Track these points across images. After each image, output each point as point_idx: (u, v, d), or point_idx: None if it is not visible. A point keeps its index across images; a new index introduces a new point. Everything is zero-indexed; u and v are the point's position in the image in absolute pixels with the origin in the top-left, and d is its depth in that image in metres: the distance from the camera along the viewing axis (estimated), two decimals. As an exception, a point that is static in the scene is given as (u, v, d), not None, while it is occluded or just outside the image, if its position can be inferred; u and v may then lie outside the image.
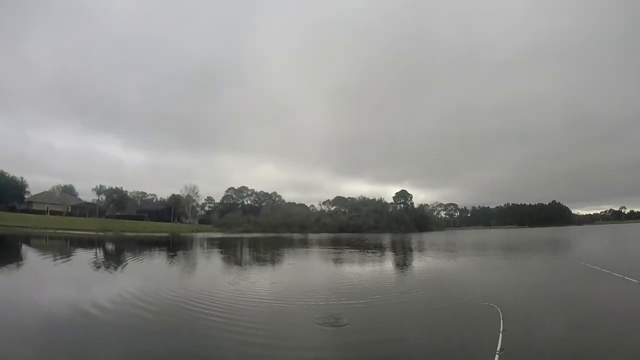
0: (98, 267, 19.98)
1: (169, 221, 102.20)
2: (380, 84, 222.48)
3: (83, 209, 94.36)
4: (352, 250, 35.27)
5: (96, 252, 29.62)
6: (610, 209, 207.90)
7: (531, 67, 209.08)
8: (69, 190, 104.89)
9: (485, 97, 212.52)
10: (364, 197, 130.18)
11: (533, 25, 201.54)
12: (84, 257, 25.06)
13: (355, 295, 12.22)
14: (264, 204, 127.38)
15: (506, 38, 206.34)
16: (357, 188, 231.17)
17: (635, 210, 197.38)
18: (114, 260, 24.12)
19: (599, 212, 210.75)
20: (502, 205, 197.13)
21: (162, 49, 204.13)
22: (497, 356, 4.65)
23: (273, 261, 26.23)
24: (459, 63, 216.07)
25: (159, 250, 33.27)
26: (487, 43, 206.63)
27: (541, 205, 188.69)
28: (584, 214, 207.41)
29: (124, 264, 21.61)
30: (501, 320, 6.61)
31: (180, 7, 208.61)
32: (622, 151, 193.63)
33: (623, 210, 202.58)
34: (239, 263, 24.80)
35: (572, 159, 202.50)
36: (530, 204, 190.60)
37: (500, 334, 5.69)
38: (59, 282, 14.90)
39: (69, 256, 24.50)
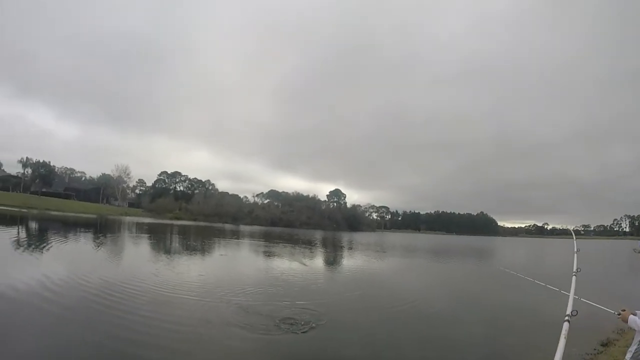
0: (17, 248, 19.32)
1: (97, 202, 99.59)
2: (321, 83, 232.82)
3: (6, 182, 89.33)
4: (286, 244, 37.08)
5: (18, 231, 29.46)
6: (534, 224, 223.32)
7: (462, 84, 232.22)
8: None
9: (417, 108, 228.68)
10: (298, 193, 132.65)
11: (467, 46, 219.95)
12: (2, 236, 24.12)
13: (292, 294, 12.35)
14: (196, 191, 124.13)
15: (441, 54, 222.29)
16: (292, 183, 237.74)
17: (557, 227, 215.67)
18: (35, 241, 23.07)
19: (523, 225, 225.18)
20: (432, 212, 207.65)
21: (97, 20, 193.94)
22: None
23: (203, 251, 26.78)
24: (396, 73, 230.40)
25: (85, 233, 33.37)
26: (424, 57, 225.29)
27: (469, 215, 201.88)
28: (509, 226, 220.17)
29: (45, 246, 20.50)
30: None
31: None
32: (544, 170, 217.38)
33: (546, 226, 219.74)
34: (167, 251, 24.60)
35: (497, 173, 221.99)
36: (459, 213, 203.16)
37: None
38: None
39: None
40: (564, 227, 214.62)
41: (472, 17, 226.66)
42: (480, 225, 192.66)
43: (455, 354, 7.90)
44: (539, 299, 12.25)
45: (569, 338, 3.03)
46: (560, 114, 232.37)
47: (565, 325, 3.17)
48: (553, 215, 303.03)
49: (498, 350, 8.22)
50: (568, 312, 3.43)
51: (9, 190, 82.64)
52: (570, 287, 4.25)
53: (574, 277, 4.59)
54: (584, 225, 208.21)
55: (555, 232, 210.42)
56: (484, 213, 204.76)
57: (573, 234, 7.27)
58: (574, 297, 5.21)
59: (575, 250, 5.93)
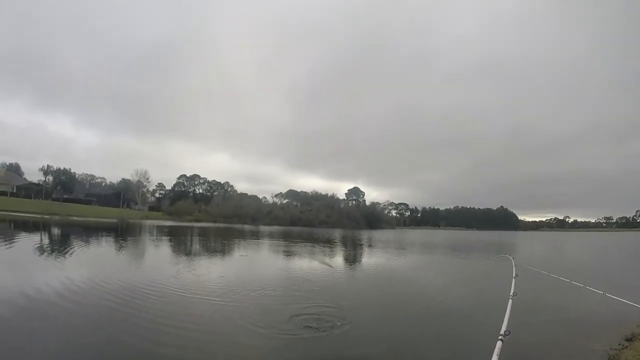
0: (38, 253, 19.28)
1: (117, 206, 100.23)
2: (336, 84, 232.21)
3: (29, 190, 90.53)
4: (305, 244, 36.83)
5: (41, 237, 29.49)
6: (555, 218, 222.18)
7: (475, 82, 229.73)
8: (14, 169, 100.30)
9: (432, 106, 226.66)
10: (317, 192, 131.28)
11: (480, 44, 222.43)
12: (25, 242, 24.09)
13: (314, 293, 11.98)
14: (215, 193, 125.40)
15: (454, 53, 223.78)
16: (311, 182, 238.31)
17: (579, 219, 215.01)
18: (56, 246, 23.17)
19: (544, 219, 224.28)
20: (452, 207, 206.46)
21: (114, 27, 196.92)
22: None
23: (224, 252, 26.64)
24: (409, 72, 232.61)
25: (106, 237, 33.24)
26: (437, 54, 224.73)
27: (489, 210, 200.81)
28: (530, 220, 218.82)
29: (65, 251, 20.48)
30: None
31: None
32: (562, 164, 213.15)
33: (567, 219, 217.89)
34: (187, 253, 24.51)
35: (515, 168, 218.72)
36: (478, 208, 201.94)
37: None
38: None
39: (11, 240, 23.77)
40: (586, 220, 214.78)
41: (484, 15, 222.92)
42: (500, 220, 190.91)
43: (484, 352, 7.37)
44: (563, 296, 11.86)
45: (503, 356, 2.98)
46: (575, 109, 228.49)
47: (499, 344, 3.28)
48: (574, 208, 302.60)
49: (522, 350, 7.40)
50: (502, 332, 3.58)
51: (31, 198, 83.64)
52: (507, 309, 4.40)
53: (510, 300, 4.81)
54: (605, 217, 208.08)
55: (576, 226, 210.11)
56: (504, 207, 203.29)
57: (512, 260, 7.41)
58: (601, 293, 6.50)
59: (514, 275, 6.16)
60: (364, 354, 7.11)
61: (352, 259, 26.43)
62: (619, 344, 7.72)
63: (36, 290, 10.55)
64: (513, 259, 7.93)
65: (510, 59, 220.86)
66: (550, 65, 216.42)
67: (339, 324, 8.57)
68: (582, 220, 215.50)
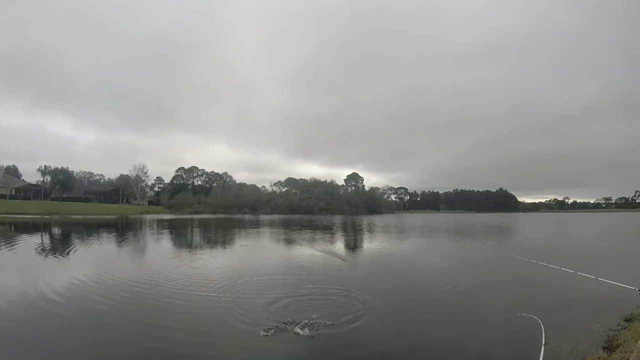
0: (35, 255, 19.28)
1: (117, 202, 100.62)
2: (338, 68, 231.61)
3: (27, 191, 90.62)
4: (306, 231, 37.33)
5: (41, 238, 29.42)
6: (554, 199, 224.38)
7: (480, 60, 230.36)
8: (12, 172, 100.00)
9: (436, 86, 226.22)
10: (316, 179, 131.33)
11: (484, 21, 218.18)
12: (25, 244, 23.79)
13: (319, 283, 11.86)
14: (214, 184, 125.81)
15: (458, 31, 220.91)
16: (310, 170, 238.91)
17: (578, 200, 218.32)
18: (56, 246, 23.23)
19: (543, 200, 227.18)
20: (451, 190, 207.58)
21: (112, 23, 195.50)
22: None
23: (224, 243, 26.75)
24: (413, 53, 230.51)
25: (106, 233, 33.42)
26: (441, 36, 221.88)
27: (488, 192, 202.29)
28: (530, 202, 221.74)
29: (63, 250, 20.53)
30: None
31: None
32: (564, 143, 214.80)
33: (567, 200, 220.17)
34: (186, 246, 24.78)
35: (517, 147, 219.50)
36: (478, 190, 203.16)
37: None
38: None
39: (12, 243, 23.81)
40: (585, 201, 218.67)
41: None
42: (499, 202, 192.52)
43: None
44: (555, 283, 12.02)
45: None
46: (580, 85, 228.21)
47: None
48: (574, 189, 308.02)
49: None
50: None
51: (30, 199, 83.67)
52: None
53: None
54: (605, 198, 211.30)
55: (576, 207, 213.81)
56: (503, 189, 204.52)
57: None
58: (593, 278, 6.09)
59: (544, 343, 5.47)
60: (379, 350, 6.81)
61: (352, 246, 26.30)
62: (618, 324, 7.88)
63: (22, 293, 10.46)
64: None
65: (513, 35, 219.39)
66: (555, 38, 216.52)
67: (351, 316, 8.33)
68: (582, 201, 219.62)
